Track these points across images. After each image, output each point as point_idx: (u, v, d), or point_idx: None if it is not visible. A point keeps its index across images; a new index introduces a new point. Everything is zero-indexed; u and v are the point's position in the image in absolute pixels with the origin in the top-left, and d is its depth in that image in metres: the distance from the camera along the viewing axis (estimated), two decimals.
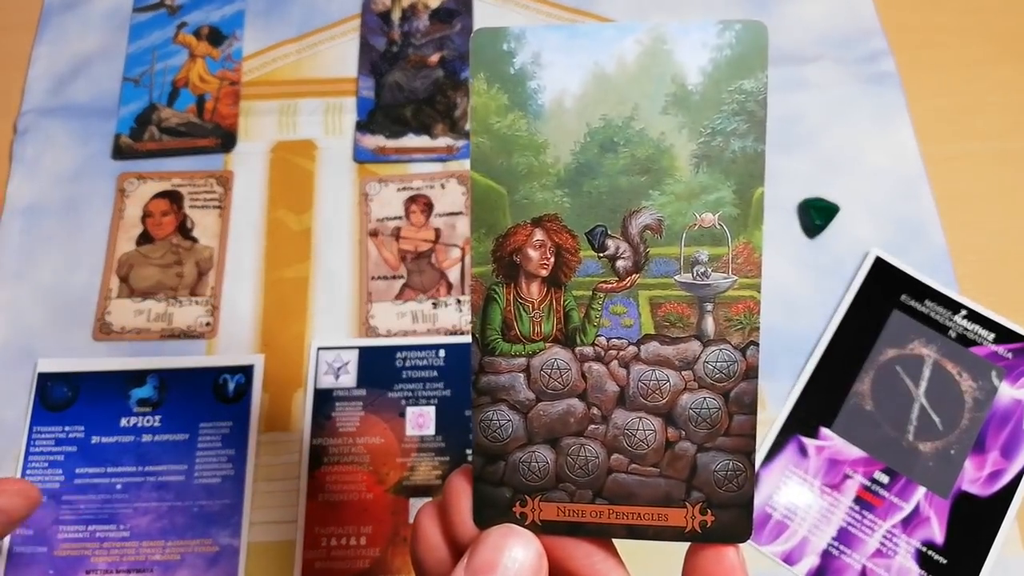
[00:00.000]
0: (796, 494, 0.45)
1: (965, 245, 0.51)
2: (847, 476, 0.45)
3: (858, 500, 0.45)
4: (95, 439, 0.46)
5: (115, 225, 0.52)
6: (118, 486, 0.45)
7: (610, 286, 0.21)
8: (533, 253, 0.21)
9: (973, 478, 0.45)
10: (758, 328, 0.21)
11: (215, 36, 0.58)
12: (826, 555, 0.44)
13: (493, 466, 0.22)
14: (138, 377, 0.48)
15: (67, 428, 0.46)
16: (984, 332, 0.48)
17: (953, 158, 0.54)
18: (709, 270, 0.21)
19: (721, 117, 0.20)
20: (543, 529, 0.22)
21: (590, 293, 0.21)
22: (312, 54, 0.58)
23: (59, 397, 0.47)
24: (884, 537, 0.44)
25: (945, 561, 0.43)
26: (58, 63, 0.58)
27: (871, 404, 0.47)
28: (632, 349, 0.21)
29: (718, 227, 0.20)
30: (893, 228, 0.52)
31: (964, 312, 0.48)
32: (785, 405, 0.47)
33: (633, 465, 0.22)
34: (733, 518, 0.22)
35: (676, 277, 0.21)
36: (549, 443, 0.22)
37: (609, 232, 0.21)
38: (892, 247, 0.51)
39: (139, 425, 0.46)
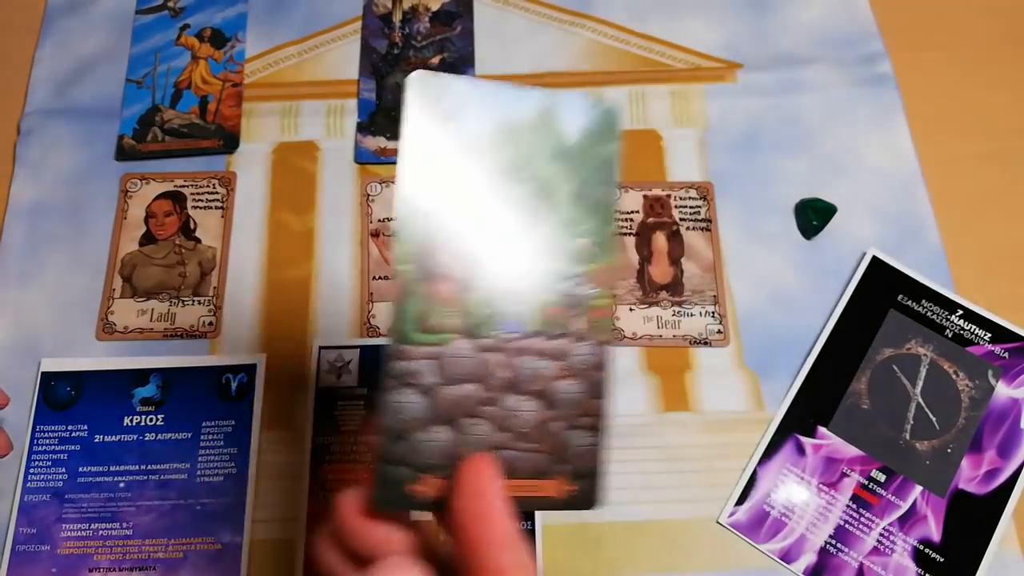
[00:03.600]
0: (794, 492, 0.45)
1: (962, 245, 0.52)
2: (844, 475, 0.45)
3: (855, 498, 0.45)
4: (98, 438, 0.47)
5: (118, 225, 0.53)
6: (121, 485, 0.45)
7: (510, 288, 0.25)
8: (447, 258, 0.25)
9: (970, 477, 0.45)
10: (611, 329, 0.26)
11: (217, 38, 0.59)
12: (823, 553, 0.44)
13: (396, 445, 0.25)
14: (141, 376, 0.48)
15: (70, 427, 0.47)
16: (981, 332, 0.48)
17: (949, 159, 0.55)
18: (580, 282, 0.26)
19: (588, 170, 0.26)
20: (434, 506, 0.25)
21: (494, 293, 0.25)
22: (314, 56, 0.58)
23: (62, 396, 0.47)
24: (881, 535, 0.44)
25: (942, 559, 0.43)
26: (61, 65, 0.58)
27: (868, 403, 0.47)
28: (522, 342, 0.25)
29: (589, 249, 0.26)
30: (890, 228, 0.52)
31: (961, 312, 0.49)
32: (783, 404, 0.47)
33: (516, 441, 0.25)
34: (588, 487, 0.26)
35: (558, 285, 0.26)
36: (448, 423, 0.25)
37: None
38: (889, 247, 0.51)
39: (142, 424, 0.47)
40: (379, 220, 0.53)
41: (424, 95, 0.25)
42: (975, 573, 0.43)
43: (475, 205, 0.25)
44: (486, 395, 0.25)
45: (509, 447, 0.25)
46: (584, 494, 0.26)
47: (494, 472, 0.24)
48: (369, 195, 0.54)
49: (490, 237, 0.25)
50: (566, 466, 0.26)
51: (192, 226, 0.53)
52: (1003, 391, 0.47)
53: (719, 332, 0.49)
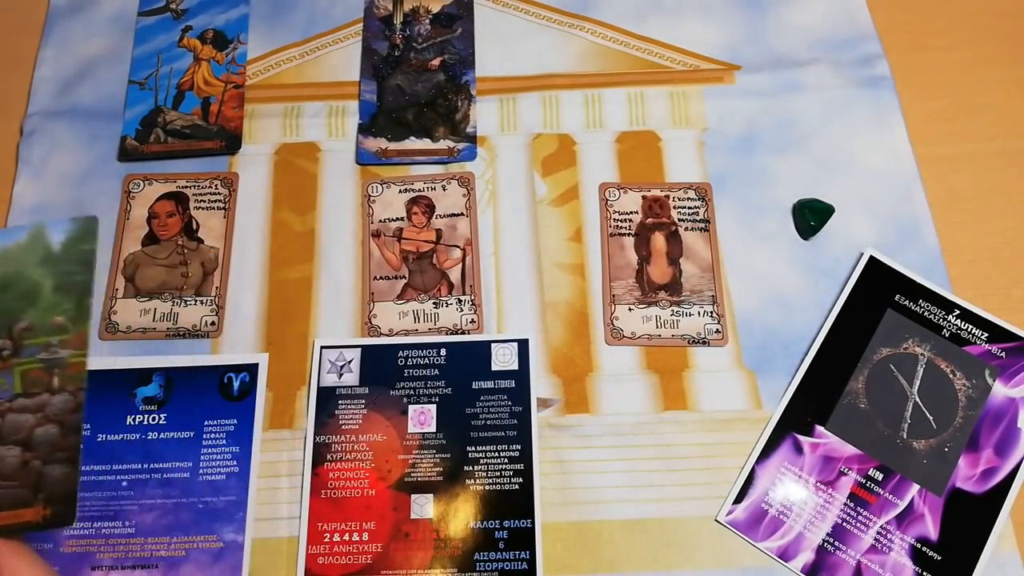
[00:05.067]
0: (791, 491, 0.45)
1: (959, 245, 0.52)
2: (842, 473, 0.46)
3: (853, 497, 0.45)
4: (101, 437, 0.47)
5: (121, 226, 0.53)
6: (124, 483, 0.46)
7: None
8: None
9: (967, 476, 0.45)
10: (84, 379, 0.34)
11: (219, 40, 0.59)
12: (821, 551, 0.44)
13: None
14: (144, 376, 0.48)
15: None
16: (977, 331, 0.48)
17: (946, 159, 0.55)
18: (58, 349, 0.34)
19: (69, 264, 0.35)
20: None
21: None
22: (315, 58, 0.59)
23: None
24: (879, 533, 0.44)
25: (939, 558, 0.44)
26: (64, 66, 0.59)
27: (865, 402, 0.47)
28: (6, 404, 0.33)
29: (64, 323, 0.34)
30: (887, 229, 0.53)
31: (957, 311, 0.49)
32: (780, 403, 0.48)
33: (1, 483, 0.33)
34: (62, 508, 0.33)
35: (39, 355, 0.34)
36: None
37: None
38: (886, 247, 0.51)
39: (145, 423, 0.47)
40: (380, 220, 0.53)
41: None
42: (972, 571, 0.43)
43: None
44: None
45: None
46: (59, 514, 0.33)
47: None
48: (370, 195, 0.54)
49: None
50: (43, 494, 0.33)
51: (194, 226, 0.53)
52: (1000, 390, 0.47)
53: (717, 332, 0.50)
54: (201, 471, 0.46)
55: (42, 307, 0.34)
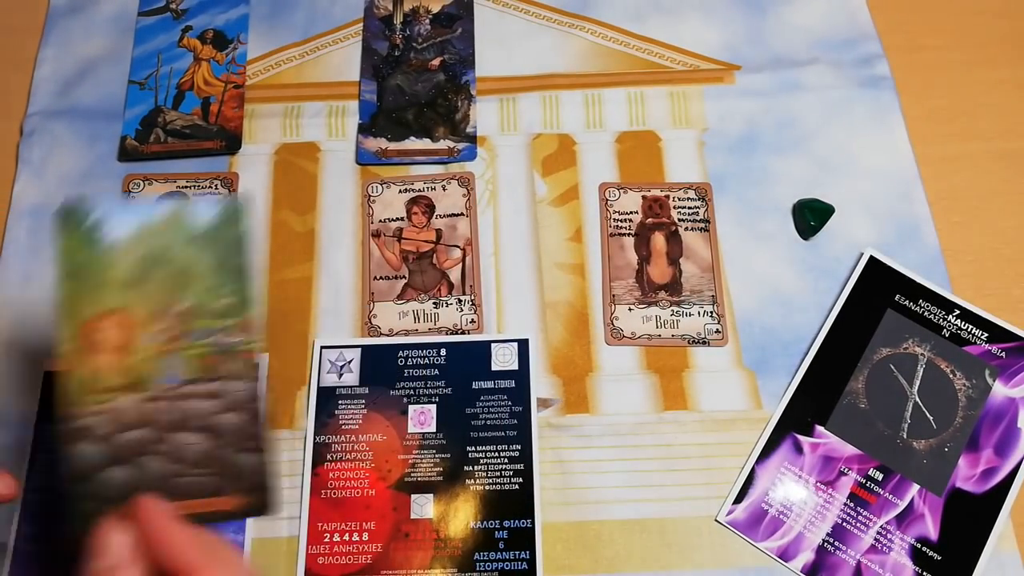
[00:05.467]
0: (791, 491, 0.45)
1: (958, 245, 0.52)
2: (842, 473, 0.46)
3: (853, 497, 0.45)
4: None
5: None
6: None
7: (164, 349, 0.32)
8: (107, 333, 0.31)
9: (967, 476, 0.45)
10: (257, 367, 0.33)
11: (219, 40, 0.59)
12: (821, 551, 0.44)
13: (81, 486, 0.31)
14: None
15: None
16: (977, 331, 0.48)
17: (946, 159, 0.55)
18: (228, 334, 0.32)
19: (222, 247, 0.33)
20: None
21: (150, 355, 0.32)
22: (315, 58, 0.59)
23: None
24: (879, 533, 0.44)
25: (939, 558, 0.44)
26: (64, 66, 0.59)
27: (865, 402, 0.47)
28: (181, 390, 0.32)
29: (232, 307, 0.32)
30: (887, 229, 0.53)
31: (957, 312, 0.49)
32: (780, 403, 0.48)
33: (188, 470, 0.31)
34: (260, 497, 0.32)
35: (210, 340, 0.32)
36: (124, 463, 0.31)
37: (163, 313, 0.32)
38: (886, 247, 0.52)
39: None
40: (380, 220, 0.53)
41: (72, 217, 0.32)
42: (972, 571, 0.43)
43: (127, 287, 0.32)
44: (155, 436, 0.31)
45: (183, 475, 0.31)
46: (258, 503, 0.32)
47: (156, 503, 0.29)
48: (370, 195, 0.54)
49: (140, 311, 0.32)
50: (238, 483, 0.32)
51: None
52: (1000, 390, 0.47)
53: (717, 332, 0.50)
54: None
55: (201, 289, 0.32)
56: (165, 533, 0.29)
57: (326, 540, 0.44)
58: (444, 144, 0.55)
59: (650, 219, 0.53)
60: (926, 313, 0.49)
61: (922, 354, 0.48)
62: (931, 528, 0.44)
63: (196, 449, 0.31)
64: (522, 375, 0.48)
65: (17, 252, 0.52)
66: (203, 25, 0.60)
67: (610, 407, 0.48)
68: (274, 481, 0.32)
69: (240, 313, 0.32)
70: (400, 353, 0.49)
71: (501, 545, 0.44)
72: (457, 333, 0.50)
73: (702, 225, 0.53)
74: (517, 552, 0.44)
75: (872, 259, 0.51)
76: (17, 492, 0.37)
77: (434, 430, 0.47)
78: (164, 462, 0.31)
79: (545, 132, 0.56)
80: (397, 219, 0.53)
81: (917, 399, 0.47)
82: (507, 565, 0.44)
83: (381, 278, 0.52)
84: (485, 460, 0.46)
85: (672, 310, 0.50)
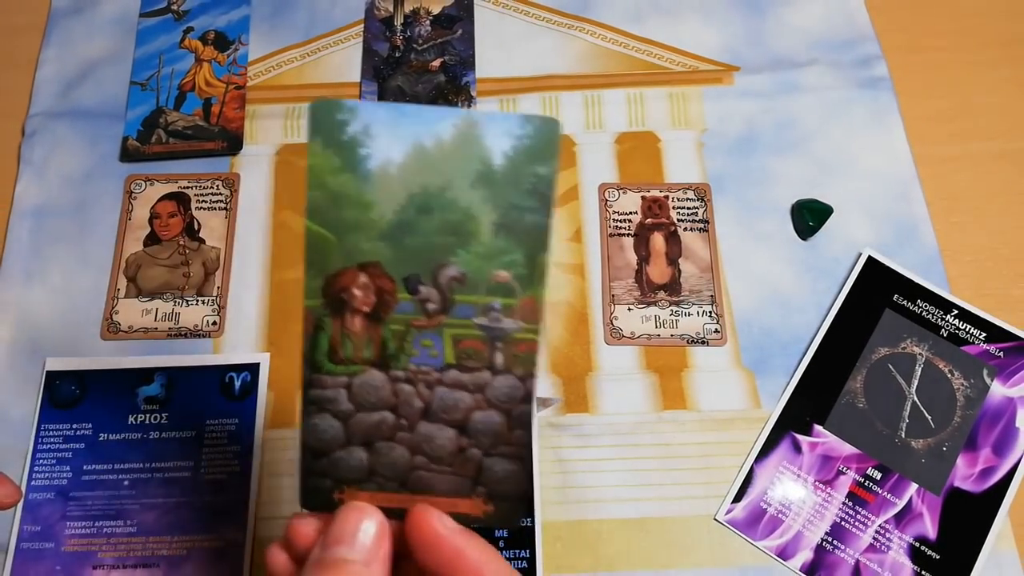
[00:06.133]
0: (790, 490, 0.46)
1: (957, 245, 0.52)
2: (840, 472, 0.46)
3: (851, 496, 0.45)
4: (103, 436, 0.47)
5: (123, 226, 0.53)
6: (125, 482, 0.46)
7: (421, 323, 0.26)
8: (358, 292, 0.26)
9: (965, 475, 0.45)
10: (535, 363, 0.26)
11: (221, 41, 0.59)
12: (820, 550, 0.44)
13: (318, 462, 0.27)
14: (145, 375, 0.48)
15: (75, 425, 0.47)
16: (976, 331, 0.49)
17: (945, 160, 0.55)
18: (501, 316, 0.25)
19: (517, 195, 0.24)
20: None
21: (404, 328, 0.26)
22: (316, 59, 0.59)
23: (67, 395, 0.48)
24: (877, 532, 0.45)
25: (938, 557, 0.44)
26: (66, 66, 0.59)
27: (864, 402, 0.47)
28: (436, 374, 0.26)
29: (510, 283, 0.25)
30: (886, 229, 0.53)
31: (956, 311, 0.49)
32: (779, 403, 0.48)
33: (432, 464, 0.27)
34: (509, 508, 0.27)
35: (475, 319, 0.26)
36: (364, 445, 0.27)
37: (422, 280, 0.25)
38: (885, 248, 0.52)
39: (146, 422, 0.47)
40: None
41: (329, 122, 0.24)
42: (971, 570, 0.43)
43: (385, 237, 0.25)
44: (400, 422, 0.27)
45: (425, 468, 0.27)
46: (503, 514, 0.27)
47: (437, 516, 0.25)
48: None
49: (401, 268, 0.25)
50: (484, 488, 0.27)
51: (196, 227, 0.53)
52: (998, 390, 0.47)
53: (716, 332, 0.50)
54: (202, 470, 0.46)
55: (479, 250, 0.25)
56: (453, 555, 0.25)
57: None
58: None
59: (649, 219, 0.53)
60: (924, 313, 0.49)
61: (920, 354, 0.48)
62: (929, 527, 0.44)
63: (442, 444, 0.27)
64: None
65: (19, 252, 0.53)
66: (204, 26, 0.60)
67: (609, 407, 0.48)
68: (527, 491, 0.28)
69: (525, 291, 0.25)
70: None
71: (501, 544, 0.44)
72: None
73: (701, 225, 0.53)
74: (517, 551, 0.44)
75: (870, 259, 0.51)
76: (18, 497, 0.35)
77: None
78: (408, 452, 0.27)
79: None
80: None
81: (915, 399, 0.47)
82: None
83: None
84: None
85: (671, 310, 0.50)
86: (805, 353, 0.49)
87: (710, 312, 0.50)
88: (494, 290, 0.25)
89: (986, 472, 0.45)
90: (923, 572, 0.44)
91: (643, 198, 0.54)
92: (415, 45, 0.59)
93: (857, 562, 0.44)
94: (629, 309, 0.50)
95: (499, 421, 0.26)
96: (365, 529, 0.25)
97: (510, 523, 0.28)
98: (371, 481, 0.27)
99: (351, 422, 0.27)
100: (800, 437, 0.47)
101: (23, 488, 0.46)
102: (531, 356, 0.26)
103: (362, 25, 0.60)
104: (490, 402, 0.26)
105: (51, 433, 0.47)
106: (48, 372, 0.49)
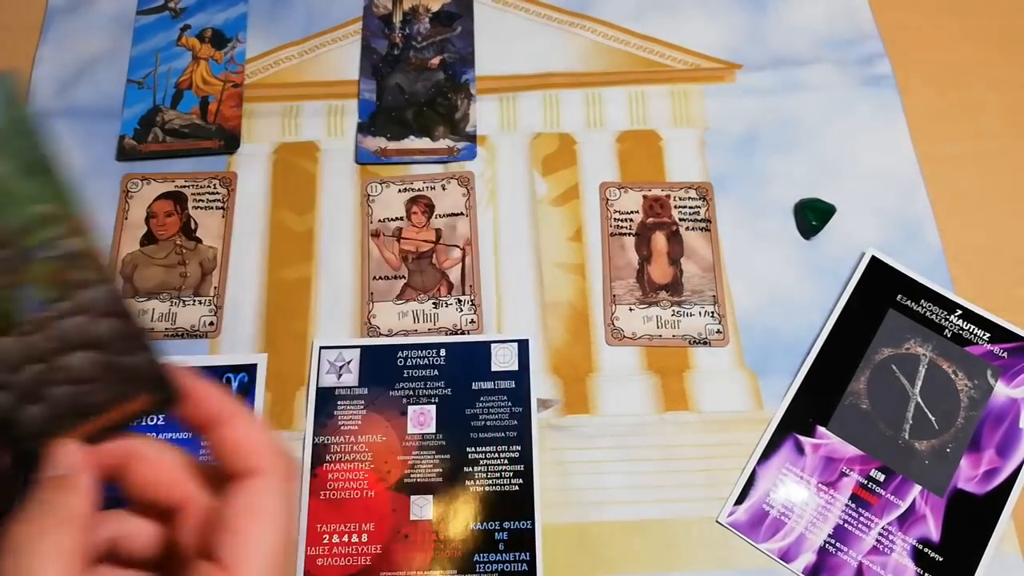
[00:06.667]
0: (793, 492, 0.45)
1: (961, 245, 0.52)
2: (843, 474, 0.46)
3: (854, 498, 0.45)
4: None
5: (119, 226, 0.53)
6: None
7: (8, 281, 0.28)
8: None
9: (969, 476, 0.45)
10: (105, 268, 0.29)
11: (218, 39, 0.59)
12: (823, 552, 0.44)
13: (8, 433, 0.29)
14: None
15: None
16: (980, 332, 0.48)
17: (948, 159, 0.55)
18: (61, 242, 0.28)
19: (16, 143, 0.27)
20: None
21: (2, 290, 0.28)
22: (314, 57, 0.58)
23: None
24: (880, 535, 0.44)
25: (941, 559, 0.44)
26: (62, 65, 0.58)
27: (867, 403, 0.47)
28: (47, 314, 0.28)
29: (52, 212, 0.28)
30: (889, 229, 0.52)
31: (959, 312, 0.49)
32: (782, 403, 0.47)
33: (87, 387, 0.30)
34: (165, 390, 0.30)
35: (47, 255, 0.28)
36: (35, 401, 0.29)
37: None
38: (888, 247, 0.51)
39: (144, 423, 0.47)
40: (379, 220, 0.53)
41: None
42: (974, 572, 0.43)
43: None
44: (47, 367, 0.29)
45: (85, 394, 0.30)
46: (164, 396, 0.31)
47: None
48: (369, 195, 0.54)
49: None
50: (139, 384, 0.30)
51: (193, 226, 0.53)
52: (1002, 391, 0.47)
53: (718, 332, 0.49)
54: None
55: (13, 201, 0.28)
56: (195, 390, 0.29)
57: (325, 541, 0.44)
58: (444, 143, 0.55)
59: (651, 219, 0.53)
60: (928, 313, 0.49)
61: (924, 354, 0.48)
62: (933, 529, 0.44)
63: (84, 367, 0.30)
64: (522, 376, 0.48)
65: None
66: (201, 24, 0.59)
67: (611, 408, 0.48)
68: (169, 372, 0.31)
69: (65, 215, 0.28)
70: (399, 353, 0.49)
71: (501, 546, 0.44)
72: (457, 333, 0.50)
73: (703, 225, 0.53)
74: (517, 553, 0.44)
75: (874, 259, 0.51)
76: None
77: (434, 431, 0.47)
78: (67, 388, 0.30)
79: (545, 131, 0.56)
80: (396, 219, 0.53)
81: (919, 399, 0.47)
82: (507, 567, 0.43)
83: (380, 278, 0.51)
84: (485, 461, 0.46)
85: (673, 310, 0.50)
86: (808, 354, 0.49)
87: (712, 312, 0.50)
88: (44, 224, 0.28)
89: (990, 474, 0.45)
90: (926, 574, 0.43)
91: (644, 197, 0.53)
92: (414, 43, 0.59)
93: (860, 564, 0.44)
94: (630, 309, 0.50)
95: (115, 324, 0.29)
96: (65, 454, 0.28)
97: (172, 400, 0.31)
98: (56, 427, 0.29)
99: (11, 388, 0.29)
100: (803, 438, 0.46)
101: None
102: (100, 260, 0.29)
103: (360, 22, 0.59)
104: (100, 313, 0.29)
105: None
106: None
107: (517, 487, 0.45)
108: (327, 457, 0.46)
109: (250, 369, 0.48)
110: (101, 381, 0.30)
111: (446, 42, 0.59)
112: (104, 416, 0.30)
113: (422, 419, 0.47)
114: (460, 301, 0.50)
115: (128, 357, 0.30)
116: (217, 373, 0.48)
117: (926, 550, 0.44)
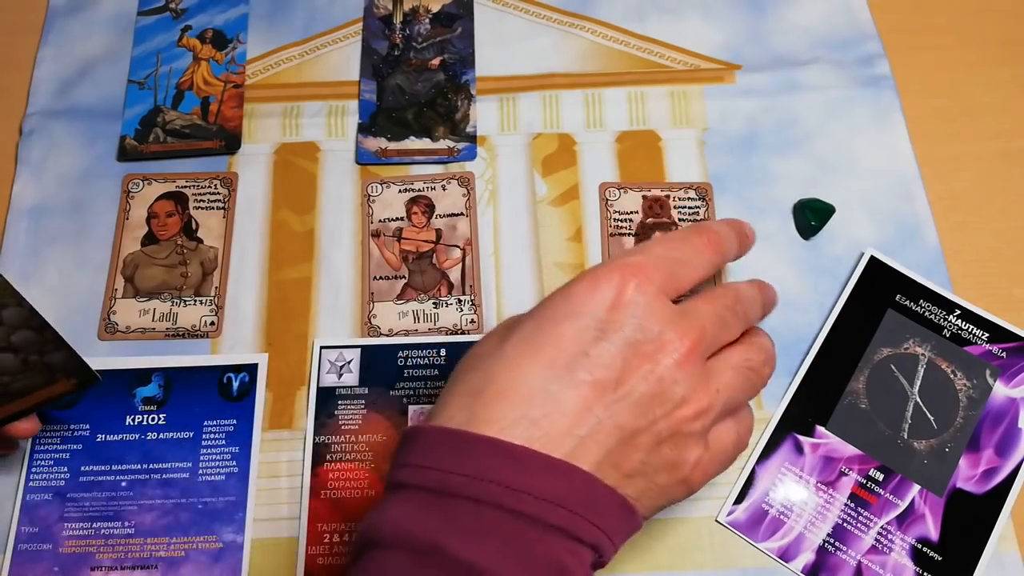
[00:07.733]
0: (792, 491, 0.45)
1: (959, 245, 0.52)
2: (842, 473, 0.46)
3: (853, 497, 0.45)
4: (100, 437, 0.47)
5: (120, 226, 0.53)
6: (123, 483, 0.46)
7: None
8: None
9: (968, 476, 0.45)
10: (5, 285, 0.37)
11: (219, 39, 0.59)
12: (822, 551, 0.44)
13: None
14: (143, 376, 0.48)
15: (72, 426, 0.47)
16: (978, 332, 0.48)
17: (948, 159, 0.55)
18: None
19: None
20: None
21: None
22: (315, 57, 0.59)
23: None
24: (879, 534, 0.44)
25: (940, 558, 0.44)
26: (63, 66, 0.58)
27: (866, 402, 0.47)
28: None
29: None
30: (888, 229, 0.52)
31: (958, 312, 0.49)
32: (781, 403, 0.48)
33: (18, 377, 0.39)
34: (86, 375, 0.40)
35: None
36: None
37: None
38: (887, 247, 0.51)
39: (144, 423, 0.47)
40: (380, 220, 0.53)
41: None
42: (973, 572, 0.43)
43: None
44: None
45: (18, 382, 0.38)
46: (85, 378, 0.39)
47: None
48: (370, 195, 0.54)
49: None
50: (60, 371, 0.39)
51: (194, 226, 0.53)
52: (1001, 390, 0.47)
53: None
54: (200, 471, 0.46)
55: None
56: None
57: (326, 541, 0.44)
58: (444, 144, 0.55)
59: (650, 219, 0.53)
60: (927, 313, 0.49)
61: (923, 354, 0.48)
62: (932, 528, 0.44)
63: (12, 363, 0.37)
64: None
65: (16, 252, 0.52)
66: (202, 25, 0.59)
67: None
68: (84, 362, 0.38)
69: None
70: (400, 353, 0.49)
71: None
72: (457, 333, 0.50)
73: None
74: None
75: (873, 259, 0.51)
76: (35, 429, 0.42)
77: None
78: None
79: (545, 132, 0.56)
80: (397, 219, 0.53)
81: (918, 399, 0.47)
82: None
83: (381, 278, 0.51)
84: None
85: None
86: (807, 353, 0.49)
87: None
88: None
89: (989, 473, 0.45)
90: (925, 574, 0.43)
91: (644, 197, 0.54)
92: (414, 43, 0.59)
93: (859, 564, 0.44)
94: None
95: (29, 336, 0.37)
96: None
97: (93, 381, 0.39)
98: None
99: None
100: (802, 438, 0.47)
101: (20, 489, 0.45)
102: (10, 287, 0.37)
103: (361, 23, 0.60)
104: (10, 328, 0.37)
105: (48, 434, 0.47)
106: None
107: None
108: (328, 457, 0.46)
109: (251, 369, 0.48)
110: (24, 373, 0.38)
111: (446, 43, 0.59)
112: (29, 398, 0.39)
113: (422, 419, 0.47)
114: (460, 301, 0.51)
115: (47, 356, 0.38)
116: (217, 373, 0.48)
117: (925, 549, 0.44)
